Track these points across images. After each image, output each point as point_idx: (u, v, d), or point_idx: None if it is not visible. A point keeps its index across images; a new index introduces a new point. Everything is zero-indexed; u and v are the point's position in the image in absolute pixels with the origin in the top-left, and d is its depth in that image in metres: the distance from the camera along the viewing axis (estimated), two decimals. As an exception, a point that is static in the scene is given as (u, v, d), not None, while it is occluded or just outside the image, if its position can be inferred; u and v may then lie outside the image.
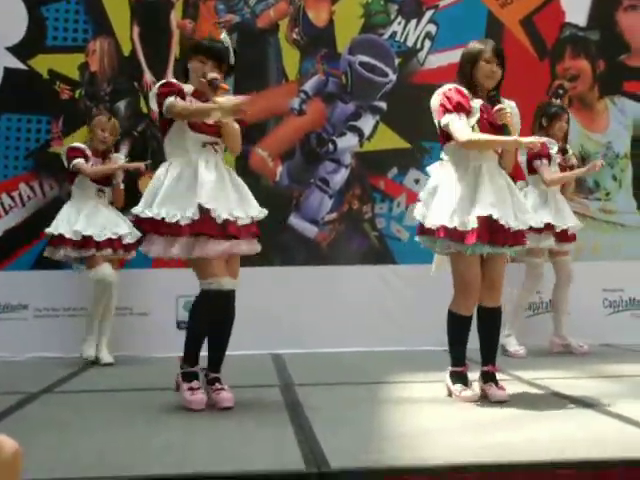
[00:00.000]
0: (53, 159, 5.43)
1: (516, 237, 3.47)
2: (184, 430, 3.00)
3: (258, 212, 3.55)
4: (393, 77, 5.77)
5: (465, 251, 3.41)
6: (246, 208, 3.48)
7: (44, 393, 3.96)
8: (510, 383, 3.86)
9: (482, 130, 3.47)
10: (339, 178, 5.71)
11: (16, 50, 5.55)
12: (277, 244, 5.59)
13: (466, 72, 3.56)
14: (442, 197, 3.47)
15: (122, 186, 5.17)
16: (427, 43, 5.81)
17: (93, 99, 5.64)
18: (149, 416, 3.30)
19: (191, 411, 3.35)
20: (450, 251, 3.49)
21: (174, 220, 3.34)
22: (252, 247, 3.56)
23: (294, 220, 5.66)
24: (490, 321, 3.56)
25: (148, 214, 3.40)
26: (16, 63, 5.55)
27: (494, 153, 3.53)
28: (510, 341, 5.04)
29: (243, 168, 5.67)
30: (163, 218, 3.35)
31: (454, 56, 5.73)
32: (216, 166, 3.48)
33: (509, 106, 3.54)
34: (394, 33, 5.82)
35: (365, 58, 5.76)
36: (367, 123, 5.75)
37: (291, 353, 5.18)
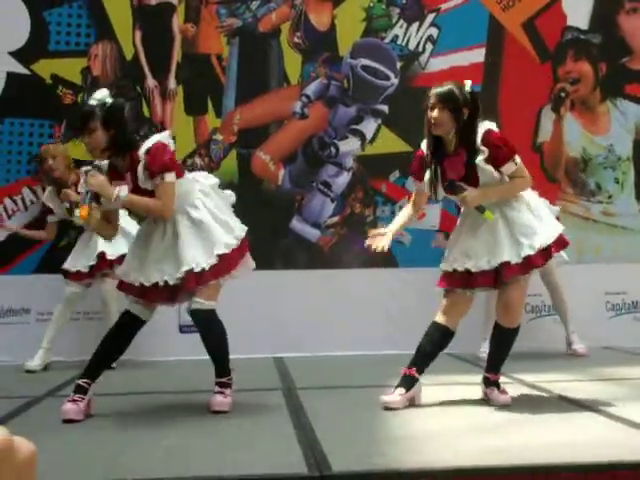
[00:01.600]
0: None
1: (523, 265, 3.39)
2: (187, 434, 3.00)
3: (224, 248, 3.40)
4: (395, 80, 5.77)
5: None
6: (206, 254, 3.38)
7: (48, 397, 3.97)
8: (513, 386, 3.86)
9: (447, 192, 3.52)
10: (341, 181, 5.72)
11: (19, 55, 5.56)
12: (279, 248, 5.60)
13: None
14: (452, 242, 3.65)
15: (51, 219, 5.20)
16: (429, 46, 5.81)
17: (95, 103, 5.65)
18: (152, 420, 3.31)
19: (193, 414, 3.36)
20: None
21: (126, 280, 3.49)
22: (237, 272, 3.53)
23: (296, 224, 5.67)
24: (500, 338, 3.60)
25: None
26: (19, 68, 5.57)
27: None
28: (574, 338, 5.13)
29: (245, 172, 5.70)
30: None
31: (456, 59, 5.80)
32: (172, 225, 3.42)
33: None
34: (396, 37, 5.83)
35: (367, 62, 5.77)
36: (369, 126, 5.76)
37: (293, 357, 5.18)
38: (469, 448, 2.65)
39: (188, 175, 3.55)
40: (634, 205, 5.85)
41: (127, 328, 3.51)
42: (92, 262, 4.95)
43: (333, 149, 5.72)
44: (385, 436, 2.91)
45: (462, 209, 3.62)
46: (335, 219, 5.70)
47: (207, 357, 5.17)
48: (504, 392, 3.53)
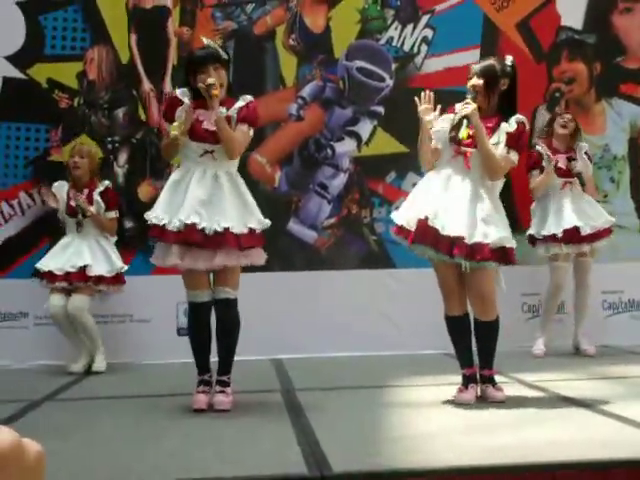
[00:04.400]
0: (52, 168, 5.45)
1: (472, 249, 3.40)
2: (187, 435, 3.01)
3: (257, 224, 3.53)
4: (390, 82, 5.78)
5: (415, 251, 3.56)
6: (243, 219, 3.49)
7: (46, 400, 3.97)
8: (510, 385, 3.88)
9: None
10: (338, 183, 5.73)
11: (15, 59, 5.57)
12: (276, 250, 5.60)
13: None
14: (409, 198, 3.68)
15: (110, 215, 5.11)
16: (424, 48, 5.82)
17: (91, 107, 5.66)
18: (151, 422, 3.32)
19: (192, 416, 3.37)
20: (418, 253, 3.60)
21: (161, 224, 3.45)
22: (250, 259, 3.56)
23: (293, 225, 5.68)
24: (480, 332, 3.61)
25: (147, 217, 3.55)
26: (15, 72, 5.57)
27: (465, 165, 3.53)
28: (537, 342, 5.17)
29: (241, 174, 5.69)
30: (154, 222, 3.49)
31: (451, 60, 5.81)
32: (213, 176, 3.51)
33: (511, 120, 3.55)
34: (391, 38, 5.84)
35: (362, 63, 5.78)
36: (365, 128, 5.77)
37: (291, 358, 5.19)
38: (469, 447, 2.66)
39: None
40: (630, 204, 5.87)
41: (201, 318, 3.55)
42: (69, 269, 4.91)
43: (329, 151, 5.73)
44: (385, 436, 2.92)
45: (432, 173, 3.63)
46: (332, 220, 5.71)
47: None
48: (499, 389, 3.55)
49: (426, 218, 3.42)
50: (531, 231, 5.19)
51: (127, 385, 4.46)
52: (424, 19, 5.83)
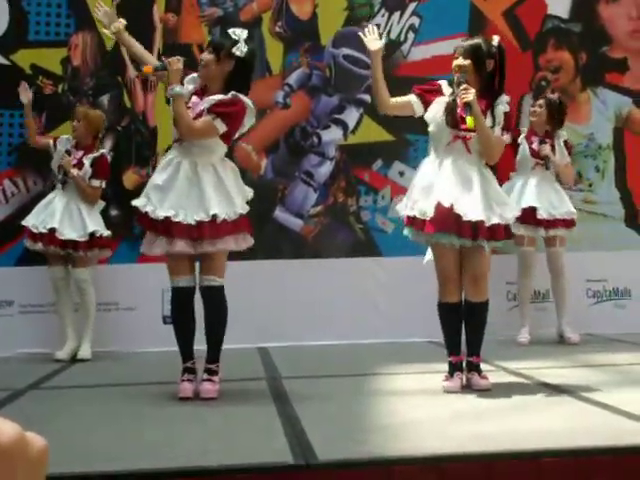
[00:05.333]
0: (37, 154, 5.40)
1: (492, 230, 3.48)
2: (172, 424, 3.01)
3: (228, 213, 3.47)
4: (377, 70, 5.76)
5: (431, 240, 3.52)
6: (195, 208, 3.43)
7: (31, 389, 3.96)
8: (495, 373, 3.90)
9: (452, 123, 3.53)
10: (324, 171, 5.72)
11: (-3, 45, 5.52)
12: (262, 238, 5.59)
13: None
14: (410, 188, 3.63)
15: (94, 183, 5.03)
16: (410, 35, 5.81)
17: (76, 94, 5.62)
18: (137, 410, 3.31)
19: (178, 405, 3.37)
20: (430, 241, 3.57)
21: (144, 210, 3.46)
22: (226, 245, 3.51)
23: (279, 214, 5.67)
24: (472, 315, 3.62)
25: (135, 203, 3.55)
26: (-2, 58, 5.52)
27: (465, 150, 3.54)
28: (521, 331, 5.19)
29: (228, 162, 5.69)
30: (141, 209, 3.48)
31: (438, 48, 5.80)
32: (188, 165, 3.48)
33: (501, 100, 3.57)
34: (378, 26, 5.81)
35: (349, 51, 5.76)
36: (351, 116, 5.75)
37: (277, 346, 5.19)
38: (454, 435, 2.68)
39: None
40: (614, 193, 5.90)
41: (182, 303, 3.55)
42: (42, 229, 4.90)
43: (315, 139, 5.71)
44: (370, 424, 2.93)
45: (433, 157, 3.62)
46: (318, 209, 5.71)
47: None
48: (484, 377, 3.57)
49: (451, 206, 3.41)
50: None
51: (112, 373, 4.45)
52: (411, 7, 5.81)
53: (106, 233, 5.04)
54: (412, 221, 3.54)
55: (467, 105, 3.43)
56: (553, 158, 5.18)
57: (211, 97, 3.49)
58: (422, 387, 3.62)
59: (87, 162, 5.01)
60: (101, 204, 5.15)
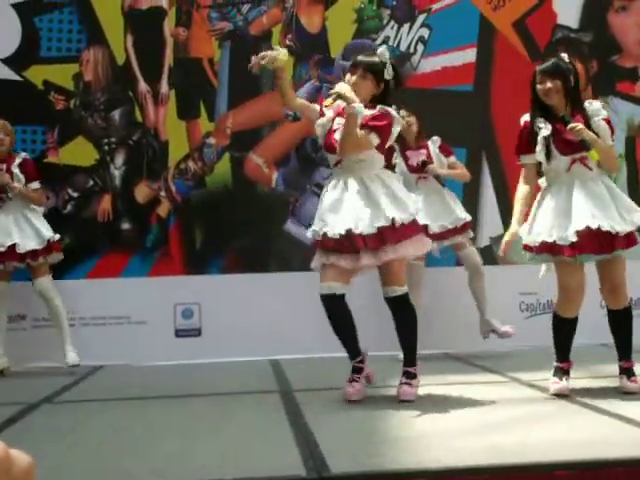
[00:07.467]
0: (49, 169, 5.44)
1: (628, 238, 3.53)
2: (185, 437, 3.01)
3: (401, 215, 3.51)
4: (387, 82, 5.77)
5: (574, 261, 3.54)
6: (373, 217, 3.49)
7: (44, 403, 3.96)
8: (509, 385, 3.88)
9: (559, 147, 3.57)
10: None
11: (10, 61, 5.57)
12: (274, 250, 5.60)
13: (534, 94, 3.67)
14: (539, 215, 3.64)
15: (34, 185, 5.03)
16: (420, 47, 5.83)
17: (88, 109, 5.66)
18: (150, 424, 3.31)
19: (191, 418, 3.37)
20: (556, 259, 3.59)
21: (323, 231, 3.60)
22: (407, 250, 3.57)
23: (291, 226, 5.67)
24: (618, 322, 3.71)
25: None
26: (10, 74, 5.57)
27: (587, 169, 3.57)
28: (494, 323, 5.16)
29: (238, 175, 5.70)
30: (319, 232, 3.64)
31: (447, 60, 5.81)
32: (355, 181, 3.57)
33: (595, 110, 3.61)
34: (387, 38, 5.84)
35: (359, 63, 5.77)
36: (362, 128, 5.75)
37: (289, 358, 5.18)
38: (468, 447, 2.66)
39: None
40: (627, 202, 5.86)
41: (335, 309, 3.66)
42: (2, 248, 4.91)
43: (326, 151, 5.71)
44: (383, 437, 2.91)
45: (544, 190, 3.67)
46: (329, 221, 5.69)
47: (202, 361, 5.21)
48: (634, 381, 3.62)
49: (598, 227, 3.45)
50: None
51: (125, 387, 4.45)
52: (420, 18, 5.83)
53: (57, 237, 5.06)
54: (548, 247, 3.54)
55: (583, 141, 3.48)
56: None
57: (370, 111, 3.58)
58: (435, 399, 3.60)
59: (16, 170, 5.01)
60: (42, 209, 5.16)
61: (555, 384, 3.65)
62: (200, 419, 3.36)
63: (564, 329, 3.71)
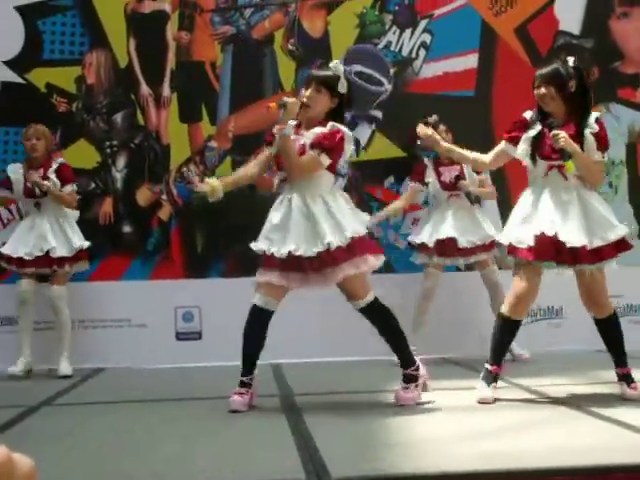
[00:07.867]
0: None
1: (596, 254, 3.50)
2: (185, 440, 3.01)
3: (338, 239, 3.46)
4: (389, 86, 5.79)
5: (533, 265, 3.53)
6: (312, 241, 3.46)
7: (44, 405, 3.97)
8: (510, 390, 3.88)
9: (540, 151, 3.56)
10: (336, 187, 5.70)
11: (13, 64, 5.58)
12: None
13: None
14: (511, 216, 3.70)
15: (68, 189, 5.07)
16: (422, 52, 5.84)
17: (90, 112, 5.67)
18: (150, 427, 3.31)
19: (191, 421, 3.37)
20: (515, 261, 3.61)
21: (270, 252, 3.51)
22: (346, 272, 3.53)
23: (292, 230, 5.66)
24: (606, 331, 3.69)
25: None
26: (13, 77, 5.58)
27: (562, 178, 3.56)
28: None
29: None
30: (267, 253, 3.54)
31: (449, 65, 5.82)
32: (299, 199, 3.55)
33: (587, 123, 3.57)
34: (389, 43, 5.85)
35: (360, 68, 5.79)
36: (363, 132, 5.77)
37: (290, 363, 5.18)
38: (467, 453, 2.66)
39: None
40: (628, 209, 5.88)
41: (258, 322, 3.58)
42: (38, 252, 4.94)
43: (328, 155, 5.71)
44: (383, 442, 2.91)
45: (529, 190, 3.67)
46: (330, 225, 5.69)
47: (203, 364, 5.20)
48: (634, 388, 3.61)
49: (554, 235, 3.46)
50: None
51: (125, 390, 4.45)
52: (422, 24, 5.84)
53: (86, 245, 5.07)
54: (512, 248, 3.57)
55: (562, 150, 3.46)
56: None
57: (311, 131, 3.56)
58: (435, 404, 3.60)
59: (52, 175, 5.04)
60: (76, 214, 5.18)
61: (481, 391, 3.60)
62: (200, 422, 3.36)
63: (508, 331, 3.66)
